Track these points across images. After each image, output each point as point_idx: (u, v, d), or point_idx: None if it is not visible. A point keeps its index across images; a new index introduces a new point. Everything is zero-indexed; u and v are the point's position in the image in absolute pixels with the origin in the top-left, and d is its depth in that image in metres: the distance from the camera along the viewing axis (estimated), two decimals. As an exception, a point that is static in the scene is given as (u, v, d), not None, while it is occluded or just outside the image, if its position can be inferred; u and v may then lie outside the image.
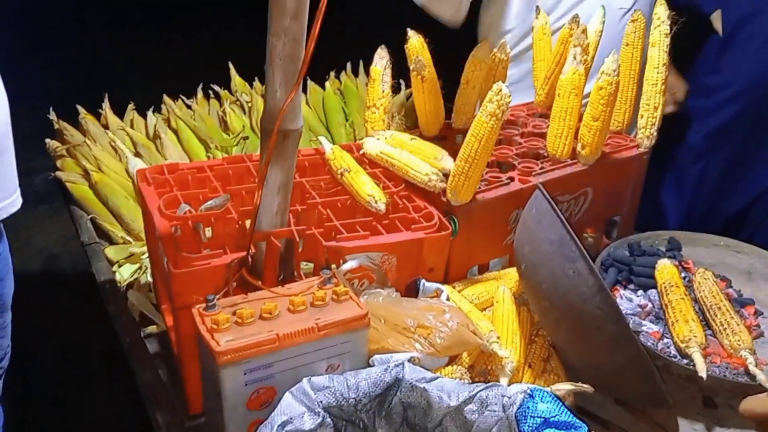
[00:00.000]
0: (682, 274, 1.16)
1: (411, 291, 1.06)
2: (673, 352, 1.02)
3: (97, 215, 1.48)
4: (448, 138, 1.34)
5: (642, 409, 0.96)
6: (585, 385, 0.89)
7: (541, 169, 1.18)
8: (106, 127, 1.77)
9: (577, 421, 0.73)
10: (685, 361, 0.99)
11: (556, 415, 0.73)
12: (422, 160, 1.14)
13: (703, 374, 0.91)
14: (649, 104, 1.24)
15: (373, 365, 0.93)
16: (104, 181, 1.53)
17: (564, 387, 0.89)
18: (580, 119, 1.20)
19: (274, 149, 0.91)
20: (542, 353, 1.04)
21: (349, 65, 2.14)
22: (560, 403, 0.75)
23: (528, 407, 0.75)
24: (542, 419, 0.73)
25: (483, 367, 1.00)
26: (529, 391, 0.77)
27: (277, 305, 0.88)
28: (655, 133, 1.25)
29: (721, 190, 1.90)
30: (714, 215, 1.92)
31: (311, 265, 1.09)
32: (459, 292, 1.11)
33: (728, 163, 1.86)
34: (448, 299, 1.02)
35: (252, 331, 0.85)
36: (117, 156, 1.64)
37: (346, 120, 1.90)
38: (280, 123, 0.87)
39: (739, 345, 0.98)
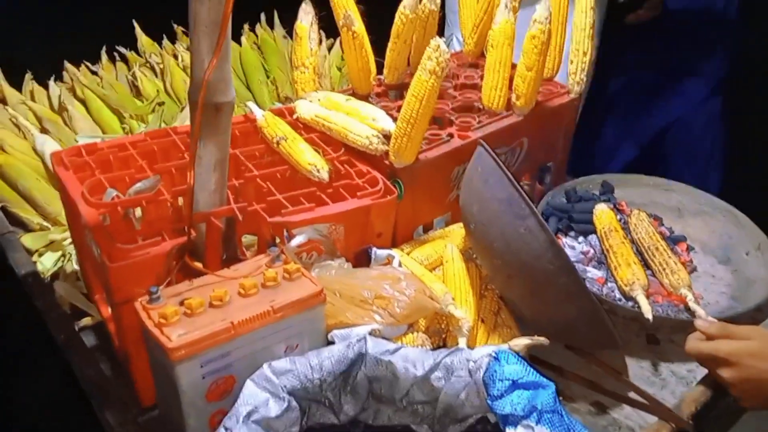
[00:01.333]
0: (618, 217, 1.20)
1: (362, 259, 1.04)
2: (617, 295, 1.06)
3: (7, 202, 1.36)
4: (381, 95, 1.30)
5: (591, 352, 1.00)
6: (541, 338, 0.91)
7: (479, 123, 1.17)
8: (3, 102, 1.60)
9: (544, 379, 0.75)
10: (630, 303, 1.03)
11: (523, 376, 0.75)
12: (360, 122, 1.10)
13: (648, 316, 0.95)
14: (579, 49, 1.25)
15: (333, 341, 0.91)
16: (10, 162, 1.40)
17: (521, 342, 0.91)
18: (512, 68, 1.19)
19: (207, 124, 0.84)
20: (493, 307, 1.06)
21: (263, 16, 2.03)
22: (526, 364, 0.77)
23: (495, 371, 0.76)
24: (510, 381, 0.74)
25: (437, 327, 1.01)
26: (494, 355, 0.78)
27: (227, 291, 0.84)
28: (585, 78, 1.26)
29: (632, 126, 1.96)
30: (626, 150, 1.98)
31: (254, 237, 1.05)
32: (408, 254, 1.10)
33: (642, 97, 1.92)
34: (400, 265, 1.01)
35: (204, 321, 0.80)
36: (21, 134, 1.50)
37: (267, 77, 1.81)
38: (204, 94, 0.81)
39: (679, 283, 1.03)
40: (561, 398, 0.95)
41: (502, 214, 0.90)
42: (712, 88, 1.87)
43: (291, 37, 1.54)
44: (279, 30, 1.98)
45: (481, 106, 1.23)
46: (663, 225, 1.22)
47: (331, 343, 0.91)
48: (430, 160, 1.10)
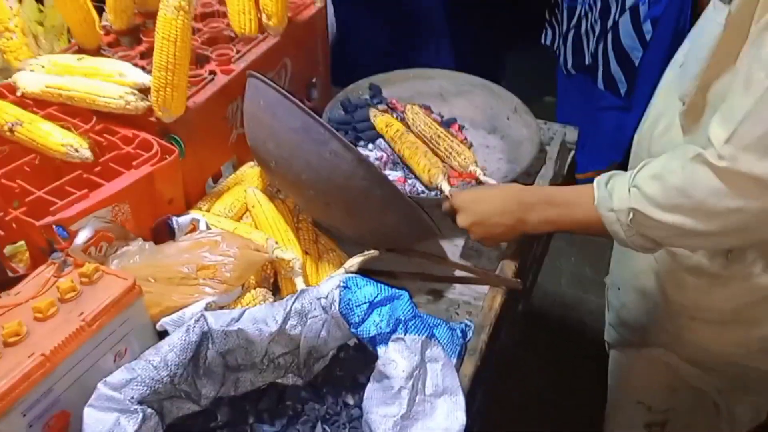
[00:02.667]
0: (395, 115, 1.24)
1: (162, 233, 0.93)
2: (419, 188, 1.11)
3: None
4: (114, 45, 1.13)
5: (412, 248, 1.04)
6: (371, 251, 0.93)
7: (238, 53, 1.09)
8: None
9: (396, 290, 0.76)
10: (432, 193, 1.09)
11: (377, 294, 0.75)
12: (106, 82, 0.95)
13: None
14: (312, -44, 1.20)
15: (164, 329, 0.83)
16: None
17: (355, 261, 0.92)
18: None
19: None
20: (311, 236, 1.04)
21: None
22: (374, 282, 0.77)
23: (349, 299, 0.75)
24: (367, 303, 0.75)
25: (263, 275, 0.97)
26: (342, 284, 0.77)
27: (21, 321, 0.70)
28: (325, -15, 1.23)
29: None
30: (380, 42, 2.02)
31: (21, 243, 0.88)
32: (209, 211, 1.02)
33: None
34: (209, 227, 0.93)
35: (7, 365, 0.67)
36: None
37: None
38: None
39: (467, 162, 1.11)
40: (400, 299, 0.99)
41: (302, 144, 0.87)
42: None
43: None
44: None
45: (233, 34, 1.14)
46: (433, 112, 1.29)
47: (164, 333, 0.82)
48: (201, 105, 1.00)
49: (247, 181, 1.08)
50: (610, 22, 1.95)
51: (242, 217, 1.04)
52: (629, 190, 0.83)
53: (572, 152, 1.25)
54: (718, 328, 0.99)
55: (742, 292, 0.93)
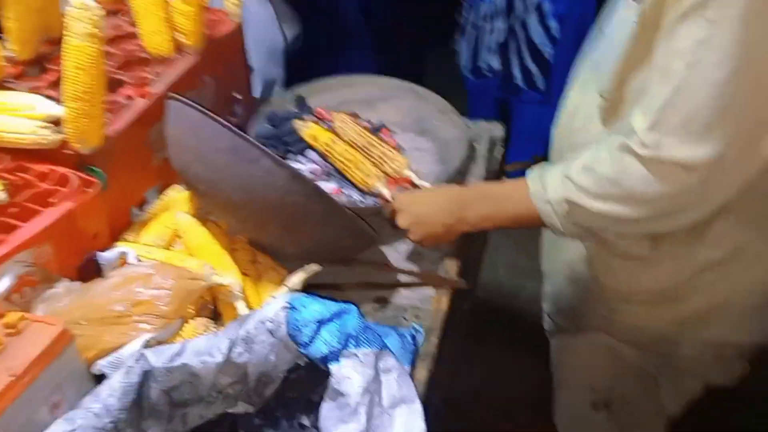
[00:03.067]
0: (324, 125, 1.22)
1: (89, 271, 0.88)
2: (356, 198, 1.10)
3: None
4: (20, 76, 1.06)
5: (354, 258, 1.03)
6: (312, 266, 0.91)
7: (156, 75, 1.05)
8: None
9: (343, 305, 0.75)
10: (370, 201, 1.08)
11: (324, 311, 0.74)
12: (14, 117, 0.89)
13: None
14: (223, -30, 1.17)
15: (102, 372, 0.78)
16: None
17: (297, 278, 0.90)
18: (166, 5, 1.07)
19: None
20: (248, 257, 1.02)
21: None
22: (319, 299, 0.76)
23: (296, 320, 0.74)
24: (315, 322, 0.73)
25: (204, 301, 0.94)
26: (287, 305, 0.75)
27: (-59, 385, 0.65)
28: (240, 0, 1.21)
29: None
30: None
31: None
32: (137, 242, 0.98)
33: None
34: (139, 259, 0.89)
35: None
36: None
37: None
38: None
39: (401, 167, 1.11)
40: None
41: (232, 165, 0.84)
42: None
43: None
44: None
45: (148, 56, 1.10)
46: (361, 119, 1.28)
47: (101, 377, 0.78)
48: (121, 132, 0.95)
49: (174, 207, 1.04)
50: (519, 21, 2.00)
51: (173, 244, 1.00)
52: (562, 182, 0.85)
53: (499, 147, 1.27)
54: (650, 308, 1.03)
55: (669, 273, 0.97)
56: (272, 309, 0.76)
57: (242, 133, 0.83)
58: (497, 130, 1.28)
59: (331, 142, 1.13)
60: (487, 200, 0.95)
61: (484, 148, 1.20)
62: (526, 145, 2.14)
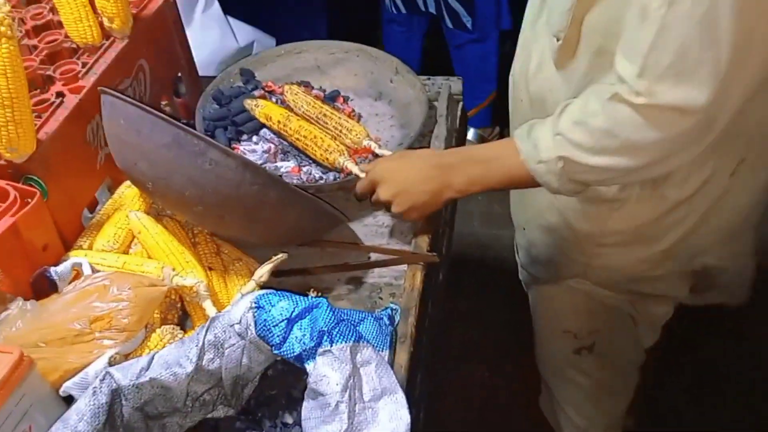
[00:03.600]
0: (274, 99, 1.16)
1: (43, 288, 0.83)
2: (316, 175, 1.05)
3: None
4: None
5: (321, 239, 1.00)
6: (279, 255, 0.87)
7: (84, 66, 0.97)
8: None
9: (314, 299, 0.72)
10: (331, 176, 1.04)
11: (294, 308, 0.71)
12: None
13: (362, 174, 0.97)
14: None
15: (69, 394, 0.75)
16: None
17: (264, 270, 0.86)
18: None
19: None
20: (212, 249, 0.97)
21: None
22: (288, 295, 0.72)
23: (265, 320, 0.70)
24: (285, 321, 0.70)
25: (171, 300, 0.90)
26: (254, 305, 0.72)
27: None
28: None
29: None
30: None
31: None
32: (91, 249, 0.92)
33: None
34: (93, 269, 0.84)
35: None
36: None
37: None
38: None
39: (359, 138, 1.06)
40: (319, 293, 0.95)
41: (178, 160, 0.79)
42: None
43: None
44: None
45: (75, 46, 1.02)
46: (314, 88, 1.22)
47: (70, 399, 0.74)
48: (54, 135, 0.89)
49: (127, 205, 0.98)
50: None
51: (130, 245, 0.95)
52: (554, 139, 0.82)
53: (460, 104, 1.23)
54: (623, 249, 1.03)
55: (639, 213, 0.97)
56: (239, 310, 0.73)
57: (184, 125, 0.77)
58: (455, 84, 1.23)
59: (284, 119, 1.08)
60: (475, 164, 0.90)
61: (443, 106, 1.16)
62: (476, 86, 2.09)
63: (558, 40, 0.88)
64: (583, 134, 0.80)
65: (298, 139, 1.06)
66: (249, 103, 1.11)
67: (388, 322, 0.82)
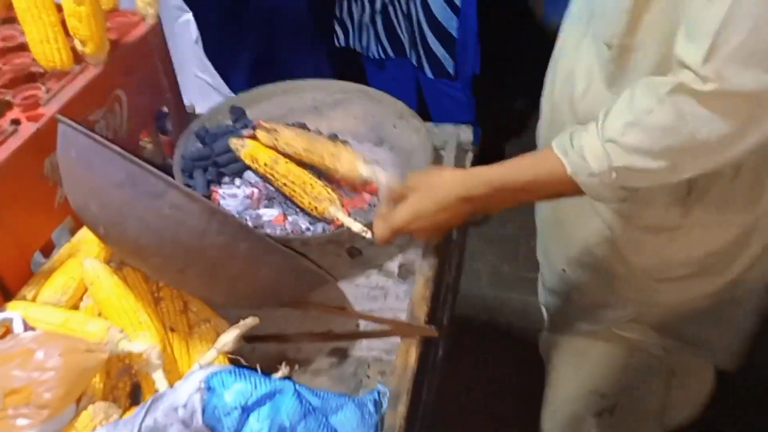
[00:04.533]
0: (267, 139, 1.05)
1: (-38, 346, 0.69)
2: (303, 225, 0.93)
3: None
4: None
5: (305, 300, 0.86)
6: (248, 320, 0.74)
7: (48, 91, 0.86)
8: None
9: (278, 381, 0.58)
10: (320, 227, 0.91)
11: (251, 393, 0.57)
12: None
13: (356, 229, 0.84)
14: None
15: (-30, 485, 0.60)
16: None
17: (229, 337, 0.72)
18: (60, 10, 0.89)
19: None
20: (177, 307, 0.84)
21: None
22: (246, 374, 0.59)
23: (215, 406, 0.56)
24: (239, 409, 0.56)
25: (121, 365, 0.76)
26: (203, 385, 0.58)
27: None
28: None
29: None
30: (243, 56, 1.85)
31: None
32: (35, 299, 0.79)
33: None
34: (26, 326, 0.70)
35: None
36: None
37: None
38: None
39: (351, 164, 0.94)
40: (297, 366, 0.81)
41: (132, 201, 0.67)
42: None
43: None
44: None
45: (42, 70, 0.91)
46: (310, 130, 1.11)
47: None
48: (4, 164, 0.77)
49: (84, 250, 0.86)
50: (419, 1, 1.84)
51: (82, 298, 0.82)
52: (605, 148, 0.71)
53: (470, 154, 1.11)
54: (685, 283, 0.93)
55: (704, 240, 0.87)
56: (186, 391, 0.59)
57: (141, 162, 0.65)
58: (465, 133, 1.12)
59: (271, 162, 0.96)
60: (512, 192, 0.79)
61: (451, 156, 1.04)
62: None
63: (609, 47, 0.78)
64: (639, 136, 0.69)
65: (285, 184, 0.94)
66: (235, 143, 1.00)
67: (373, 410, 0.67)
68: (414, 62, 1.96)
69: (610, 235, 0.91)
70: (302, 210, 0.95)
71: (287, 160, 0.98)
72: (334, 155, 0.97)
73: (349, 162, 0.96)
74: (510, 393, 1.73)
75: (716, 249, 0.88)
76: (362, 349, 0.81)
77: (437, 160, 1.04)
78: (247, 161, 0.99)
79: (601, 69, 0.81)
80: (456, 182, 0.81)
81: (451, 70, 1.92)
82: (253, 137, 1.03)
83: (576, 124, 0.87)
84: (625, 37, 0.75)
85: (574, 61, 0.88)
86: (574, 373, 1.15)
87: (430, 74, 1.94)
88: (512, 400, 1.70)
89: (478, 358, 1.82)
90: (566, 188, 0.75)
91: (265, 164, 0.97)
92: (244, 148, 1.00)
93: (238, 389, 0.57)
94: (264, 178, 0.98)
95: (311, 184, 0.93)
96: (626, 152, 0.70)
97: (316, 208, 0.91)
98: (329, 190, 0.94)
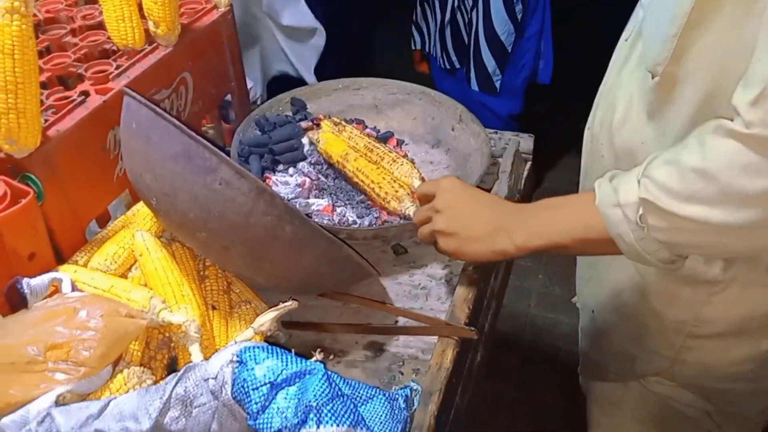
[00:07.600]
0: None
1: (13, 300, 0.72)
2: (351, 218, 0.92)
3: None
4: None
5: (346, 292, 0.86)
6: (287, 303, 0.74)
7: (118, 68, 0.90)
8: None
9: (309, 363, 0.57)
10: (366, 221, 0.91)
11: (281, 370, 0.56)
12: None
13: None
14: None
15: (6, 433, 0.62)
16: None
17: (267, 318, 0.72)
18: (138, -9, 0.93)
19: None
20: (221, 285, 0.85)
21: None
22: (278, 352, 0.58)
23: (244, 380, 0.56)
24: (268, 385, 0.55)
25: (160, 339, 0.77)
26: (236, 358, 0.58)
27: None
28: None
29: None
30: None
31: None
32: (85, 265, 0.82)
33: None
34: (74, 288, 0.72)
35: None
36: None
37: None
38: None
39: (407, 176, 0.93)
40: (332, 356, 0.81)
41: (185, 175, 0.68)
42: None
43: None
44: None
45: (116, 48, 0.95)
46: (367, 127, 1.11)
47: (4, 439, 0.61)
48: (66, 133, 0.80)
49: (137, 223, 0.88)
50: (481, 10, 1.82)
51: (130, 269, 0.84)
52: (638, 182, 0.65)
53: (528, 164, 1.08)
54: (724, 343, 0.84)
55: (746, 300, 0.78)
56: (217, 363, 0.59)
57: (197, 136, 0.66)
58: (525, 142, 1.09)
59: (344, 154, 0.96)
60: (541, 210, 0.74)
61: (508, 162, 1.01)
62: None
63: (654, 76, 0.72)
64: (671, 174, 0.63)
65: (357, 172, 0.95)
66: (310, 135, 1.01)
67: (404, 405, 0.65)
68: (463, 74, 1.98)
69: (641, 281, 0.84)
70: (350, 203, 0.95)
71: (362, 157, 0.98)
72: (395, 161, 0.97)
73: (408, 173, 0.95)
74: (550, 418, 1.67)
75: (761, 312, 0.79)
76: (399, 345, 0.80)
77: (493, 166, 1.02)
78: (327, 154, 1.00)
79: (641, 97, 0.75)
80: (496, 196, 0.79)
81: (497, 85, 1.92)
82: (310, 129, 1.04)
83: (614, 155, 0.82)
84: (671, 65, 0.69)
85: (615, 87, 0.83)
86: (608, 422, 1.08)
87: (475, 87, 1.94)
88: (551, 426, 1.65)
89: (523, 378, 1.77)
90: (593, 224, 0.69)
91: (339, 156, 0.98)
92: (326, 143, 1.01)
93: (269, 365, 0.56)
94: (340, 168, 0.98)
95: (388, 181, 0.93)
96: (655, 187, 0.64)
97: (392, 205, 0.91)
98: (397, 185, 0.93)
